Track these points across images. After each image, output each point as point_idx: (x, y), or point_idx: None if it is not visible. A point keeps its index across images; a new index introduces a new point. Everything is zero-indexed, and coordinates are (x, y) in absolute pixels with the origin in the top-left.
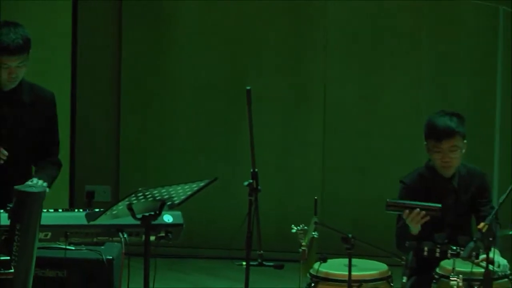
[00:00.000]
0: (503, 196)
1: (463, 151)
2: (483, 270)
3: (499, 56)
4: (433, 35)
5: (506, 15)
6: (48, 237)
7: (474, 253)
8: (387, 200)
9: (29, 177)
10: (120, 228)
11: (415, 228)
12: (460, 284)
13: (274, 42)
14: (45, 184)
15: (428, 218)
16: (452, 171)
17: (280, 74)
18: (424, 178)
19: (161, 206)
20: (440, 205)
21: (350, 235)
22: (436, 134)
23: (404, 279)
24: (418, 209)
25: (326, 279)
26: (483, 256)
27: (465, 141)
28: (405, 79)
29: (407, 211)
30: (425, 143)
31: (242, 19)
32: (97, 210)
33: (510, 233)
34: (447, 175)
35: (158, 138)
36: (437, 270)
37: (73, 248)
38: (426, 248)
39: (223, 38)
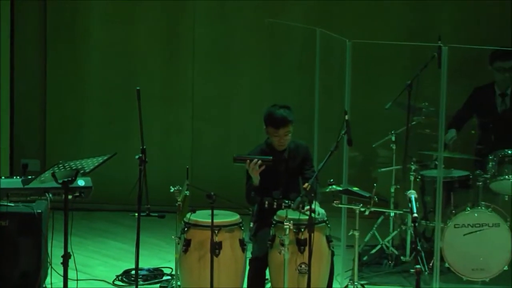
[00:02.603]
0: (321, 164)
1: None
2: (307, 217)
3: (316, 64)
4: (270, 50)
5: (321, 35)
6: None
7: (301, 205)
8: (233, 156)
9: None
10: (47, 190)
11: (255, 178)
12: (291, 227)
13: (156, 55)
14: None
15: (263, 167)
16: (285, 147)
17: (160, 77)
18: (264, 151)
19: (76, 173)
20: (271, 157)
21: (212, 193)
22: (274, 123)
23: (251, 225)
24: (255, 159)
25: (195, 225)
26: (307, 207)
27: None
28: (250, 79)
29: (248, 161)
30: (265, 127)
31: (134, 40)
32: (30, 177)
33: (327, 190)
34: (280, 149)
35: (75, 125)
36: (275, 217)
37: (12, 204)
38: (266, 202)
39: (121, 52)
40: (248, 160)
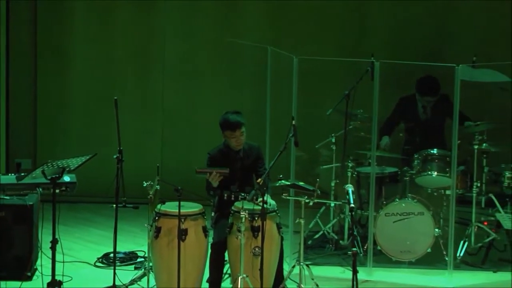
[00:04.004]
0: (272, 162)
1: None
2: (260, 207)
3: (268, 76)
4: (230, 64)
5: (272, 52)
6: None
7: (255, 197)
8: (196, 168)
9: None
10: (37, 185)
11: (215, 184)
12: (246, 216)
13: (131, 69)
14: None
15: (222, 177)
16: (241, 147)
17: (135, 88)
18: (222, 151)
19: (63, 171)
20: (228, 169)
21: (179, 187)
22: (231, 127)
23: (213, 214)
24: (214, 172)
25: (165, 215)
26: (260, 199)
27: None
28: (212, 90)
29: (208, 174)
30: (222, 132)
31: (112, 56)
32: (22, 174)
33: (277, 184)
34: (237, 149)
35: (61, 129)
36: (232, 208)
37: (8, 197)
38: (225, 195)
39: (101, 66)
40: (208, 173)
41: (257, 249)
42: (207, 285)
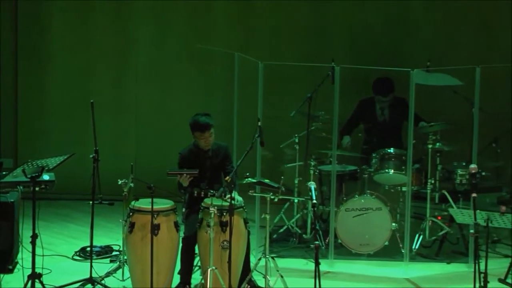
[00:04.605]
0: (239, 161)
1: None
2: (228, 203)
3: (235, 80)
4: (200, 69)
5: (239, 58)
6: None
7: (223, 194)
8: (167, 171)
9: None
10: (18, 183)
11: (185, 184)
12: (215, 212)
13: (106, 75)
14: None
15: (192, 178)
16: (209, 147)
17: (110, 93)
18: (192, 151)
19: (42, 170)
20: (197, 171)
21: (152, 185)
22: (201, 128)
23: (184, 210)
24: (185, 174)
25: (139, 211)
26: (228, 196)
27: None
28: (183, 93)
29: (179, 175)
30: (192, 133)
31: (89, 63)
32: (4, 173)
33: (244, 181)
34: (206, 149)
35: (41, 131)
36: (202, 204)
37: None
38: (195, 192)
39: (79, 72)
40: (179, 175)
41: (225, 242)
42: (178, 276)
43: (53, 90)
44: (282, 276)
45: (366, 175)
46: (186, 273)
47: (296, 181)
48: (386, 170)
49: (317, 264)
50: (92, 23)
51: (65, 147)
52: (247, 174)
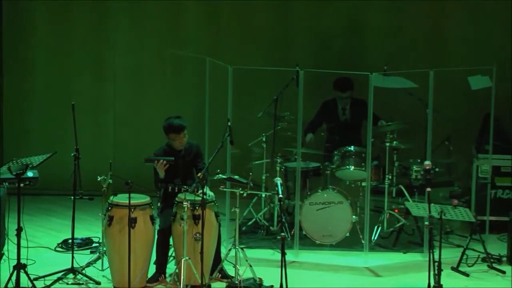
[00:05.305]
0: (211, 158)
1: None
2: (200, 198)
3: (206, 83)
4: (173, 73)
5: (210, 62)
6: None
7: (195, 189)
8: (145, 157)
9: None
10: (4, 180)
11: (161, 173)
12: (188, 206)
13: (86, 78)
14: None
15: (167, 165)
16: (183, 147)
17: (89, 95)
18: (166, 151)
19: (26, 167)
20: (173, 158)
21: (129, 181)
22: (175, 130)
23: (159, 204)
24: (161, 160)
25: (117, 205)
26: (200, 191)
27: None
28: (157, 96)
29: (156, 161)
30: (166, 135)
31: (70, 67)
32: None
33: (215, 178)
34: (179, 149)
35: (25, 131)
36: (176, 198)
37: None
38: (170, 187)
39: (60, 75)
40: (156, 161)
41: (198, 234)
42: (154, 266)
43: (36, 92)
44: (251, 266)
45: (328, 171)
46: (161, 263)
47: (263, 177)
48: (347, 167)
49: (283, 254)
50: (72, 29)
51: (48, 146)
52: (218, 170)
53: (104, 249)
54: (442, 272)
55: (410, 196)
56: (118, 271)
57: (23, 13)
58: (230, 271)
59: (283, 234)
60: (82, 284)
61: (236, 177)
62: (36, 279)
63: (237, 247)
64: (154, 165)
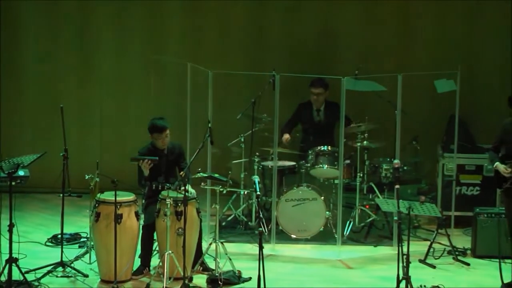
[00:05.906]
0: (192, 157)
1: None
2: (182, 195)
3: (188, 87)
4: (155, 77)
5: (191, 67)
6: None
7: (178, 187)
8: (130, 157)
9: None
10: None
11: (146, 171)
12: (171, 202)
13: (74, 82)
14: None
15: (152, 164)
16: (165, 147)
17: (77, 98)
18: (150, 150)
19: (17, 166)
20: (157, 158)
21: (115, 179)
22: (159, 130)
23: (143, 201)
24: (146, 159)
25: (103, 202)
26: (182, 188)
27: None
28: (141, 98)
29: (141, 161)
30: (150, 135)
31: (58, 71)
32: None
33: (196, 176)
34: (163, 148)
35: (16, 132)
36: (160, 196)
37: None
38: (154, 185)
39: (49, 80)
40: (141, 160)
41: (180, 229)
42: (139, 260)
43: (27, 96)
44: (230, 259)
45: (303, 170)
46: (146, 256)
47: (242, 175)
48: (321, 165)
49: (261, 248)
50: (61, 34)
51: (38, 146)
52: (199, 169)
53: (92, 243)
54: (410, 264)
55: (380, 193)
56: (105, 264)
57: (13, 16)
58: (211, 264)
59: (260, 229)
60: (71, 277)
61: (216, 175)
62: (27, 272)
63: (217, 241)
64: (139, 164)
